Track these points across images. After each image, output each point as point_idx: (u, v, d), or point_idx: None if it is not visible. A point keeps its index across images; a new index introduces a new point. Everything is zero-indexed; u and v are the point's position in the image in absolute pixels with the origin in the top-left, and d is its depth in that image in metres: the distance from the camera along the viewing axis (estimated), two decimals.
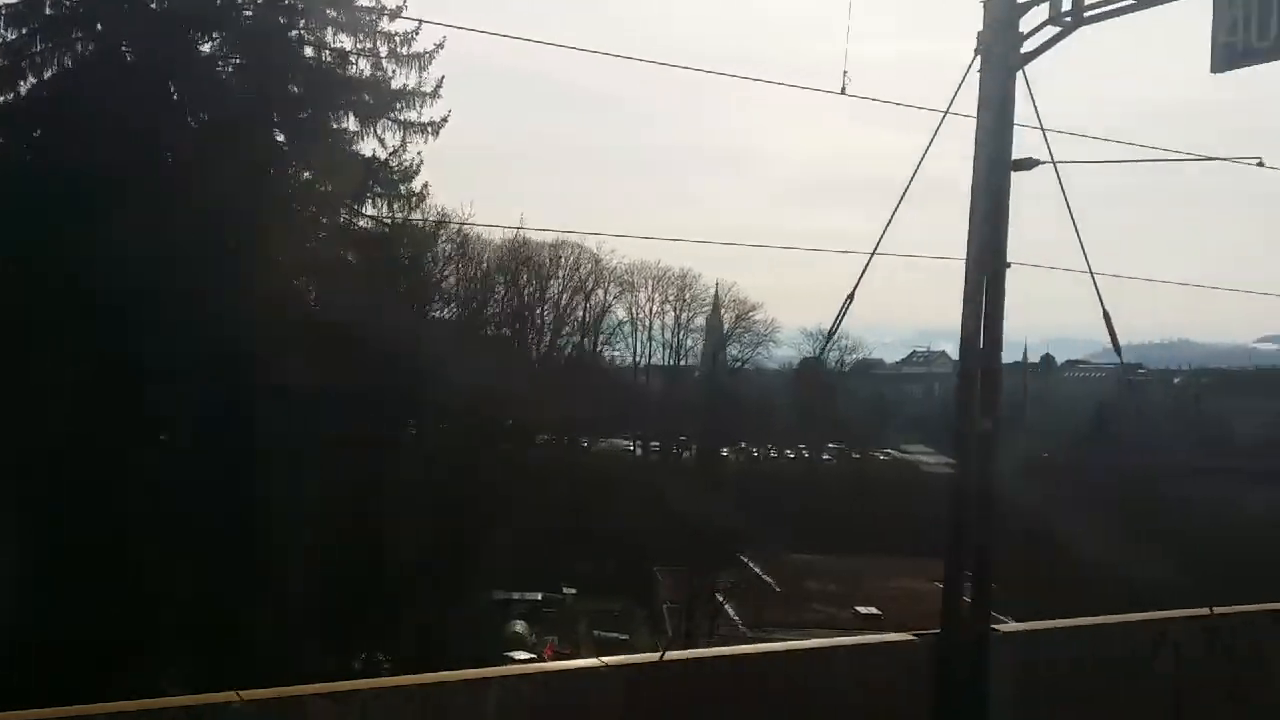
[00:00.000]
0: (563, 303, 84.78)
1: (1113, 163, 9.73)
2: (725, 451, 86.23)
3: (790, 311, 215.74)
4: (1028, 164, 8.37)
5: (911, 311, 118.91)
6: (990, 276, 8.59)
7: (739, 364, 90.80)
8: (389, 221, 33.31)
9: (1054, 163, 8.36)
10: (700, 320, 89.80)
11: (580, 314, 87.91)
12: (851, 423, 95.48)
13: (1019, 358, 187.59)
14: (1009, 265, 8.56)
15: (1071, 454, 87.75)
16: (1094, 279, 8.49)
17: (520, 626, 57.76)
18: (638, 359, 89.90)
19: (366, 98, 31.70)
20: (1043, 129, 8.25)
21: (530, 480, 78.60)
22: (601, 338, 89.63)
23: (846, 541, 62.34)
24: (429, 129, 32.73)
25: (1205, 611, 9.66)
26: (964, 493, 8.92)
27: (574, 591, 65.31)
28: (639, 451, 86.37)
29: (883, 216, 8.47)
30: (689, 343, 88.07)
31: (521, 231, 77.83)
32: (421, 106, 32.63)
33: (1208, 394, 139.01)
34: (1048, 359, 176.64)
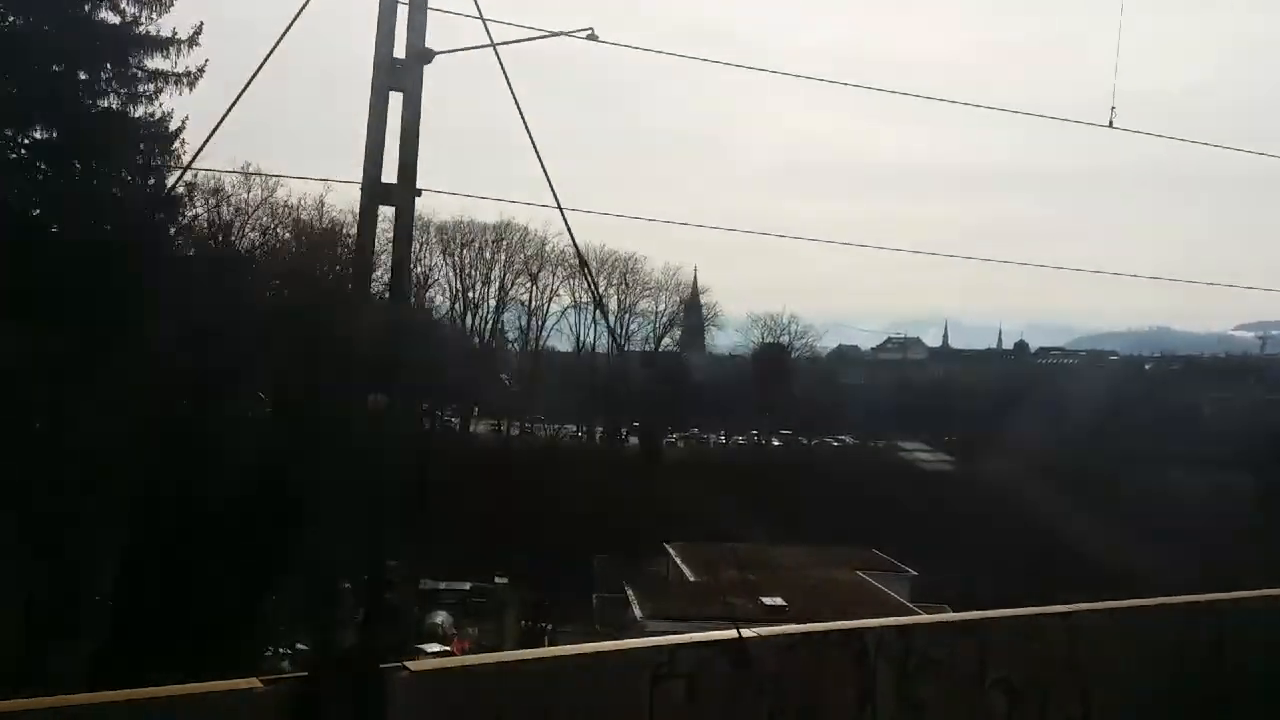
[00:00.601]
0: (506, 284, 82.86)
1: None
2: (676, 437, 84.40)
3: (737, 298, 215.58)
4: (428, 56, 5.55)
5: (892, 300, 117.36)
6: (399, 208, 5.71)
7: (672, 349, 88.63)
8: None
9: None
10: (646, 304, 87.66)
11: (527, 297, 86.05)
12: (807, 408, 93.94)
13: (994, 344, 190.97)
14: (419, 193, 5.70)
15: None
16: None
17: (441, 618, 55.86)
18: (581, 343, 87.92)
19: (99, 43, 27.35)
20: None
21: (470, 465, 77.37)
22: (551, 320, 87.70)
23: (784, 529, 60.57)
24: (184, 80, 28.52)
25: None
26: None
27: (505, 581, 63.34)
28: (584, 437, 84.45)
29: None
30: (633, 327, 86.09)
31: (466, 214, 76.28)
32: (176, 55, 28.42)
33: (1176, 381, 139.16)
34: (1021, 345, 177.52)
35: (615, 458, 77.22)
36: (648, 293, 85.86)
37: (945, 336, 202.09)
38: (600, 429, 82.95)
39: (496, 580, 63.75)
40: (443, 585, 61.57)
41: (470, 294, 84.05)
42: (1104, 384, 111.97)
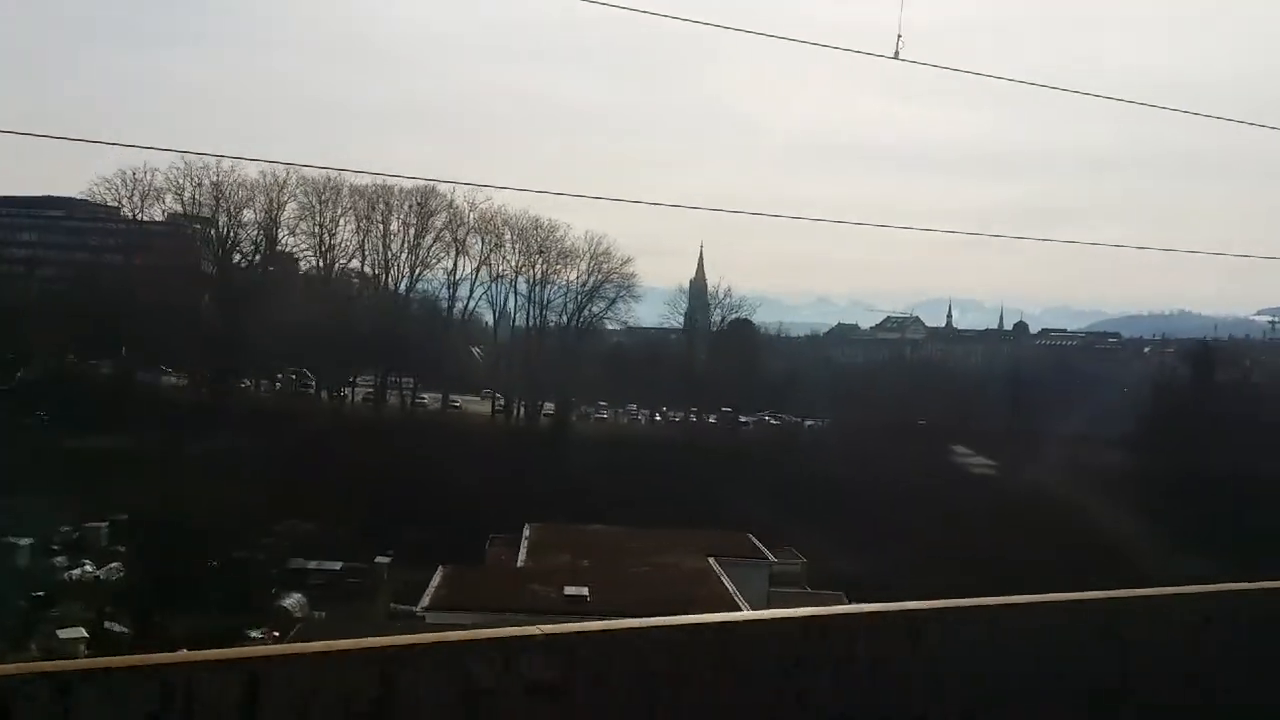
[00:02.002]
0: (421, 251, 79.56)
1: None
2: (602, 412, 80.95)
3: (661, 270, 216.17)
4: None
5: (918, 279, 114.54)
6: None
7: (591, 321, 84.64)
8: None
9: None
10: (571, 275, 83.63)
11: (450, 265, 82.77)
12: (759, 387, 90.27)
13: (994, 324, 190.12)
14: None
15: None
16: None
17: (294, 600, 52.85)
18: (497, 314, 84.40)
19: None
20: None
21: (368, 439, 74.45)
22: (481, 290, 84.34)
23: (673, 510, 57.60)
24: None
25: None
26: None
27: (388, 560, 60.29)
28: (498, 413, 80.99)
29: None
30: (549, 297, 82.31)
31: (391, 180, 73.90)
32: None
33: (1172, 364, 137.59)
34: (1020, 326, 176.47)
35: (528, 433, 73.94)
36: (564, 261, 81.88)
37: (949, 317, 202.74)
38: (522, 403, 79.46)
39: (378, 560, 60.69)
40: (312, 565, 58.73)
41: (391, 263, 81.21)
42: (1069, 365, 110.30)
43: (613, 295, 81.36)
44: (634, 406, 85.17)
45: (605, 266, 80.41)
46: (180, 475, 65.95)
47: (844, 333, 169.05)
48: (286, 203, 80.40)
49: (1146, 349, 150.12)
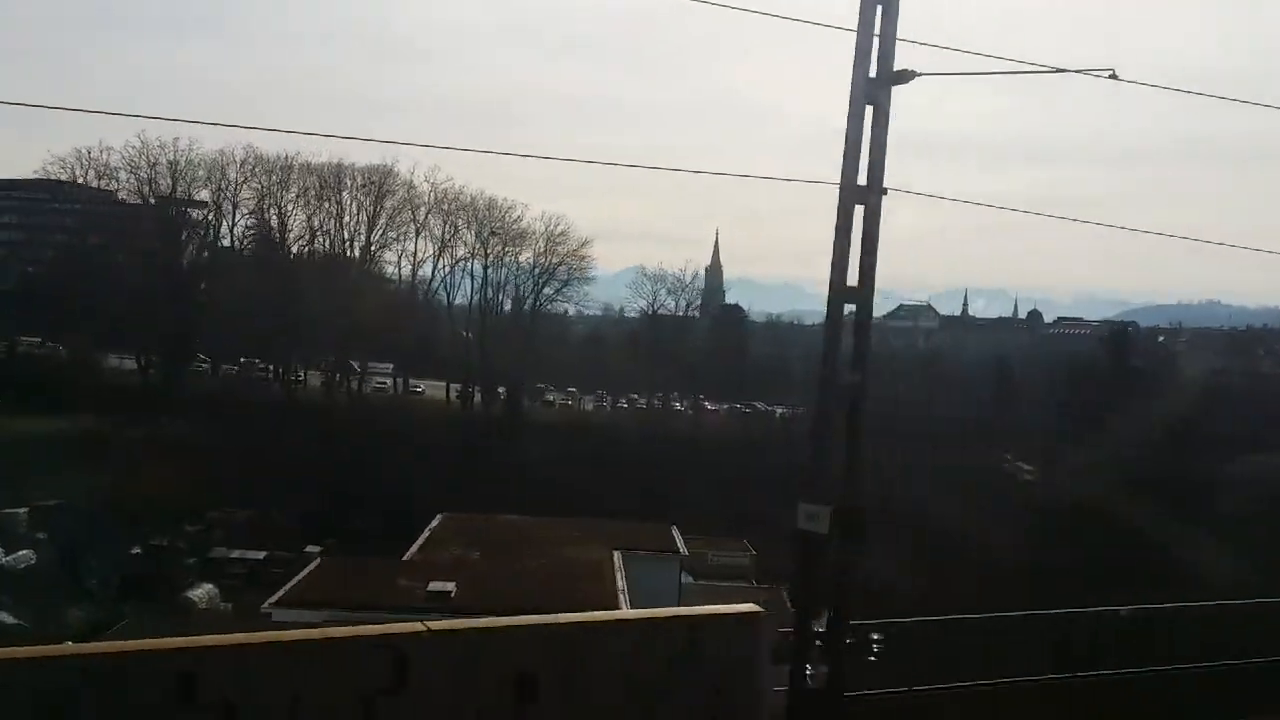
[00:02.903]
0: (378, 231, 77.37)
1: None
2: (556, 398, 78.37)
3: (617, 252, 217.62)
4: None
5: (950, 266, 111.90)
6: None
7: (543, 304, 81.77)
8: None
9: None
10: (526, 256, 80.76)
11: (411, 247, 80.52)
12: (752, 375, 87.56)
13: (1008, 313, 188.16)
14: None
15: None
16: None
17: (203, 590, 50.78)
18: (451, 296, 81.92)
19: None
20: None
21: (319, 425, 72.40)
22: (443, 273, 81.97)
23: (613, 501, 55.28)
24: None
25: None
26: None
27: (318, 549, 58.10)
28: (459, 398, 78.60)
29: None
30: (505, 279, 79.56)
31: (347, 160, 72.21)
32: None
33: (1186, 353, 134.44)
34: (1034, 315, 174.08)
35: (483, 420, 71.61)
36: (519, 242, 79.09)
37: (965, 305, 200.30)
38: (476, 388, 77.02)
39: (308, 549, 58.50)
40: (235, 554, 56.79)
41: (348, 244, 79.14)
42: (1071, 355, 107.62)
43: (565, 278, 78.64)
44: (602, 392, 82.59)
45: (561, 249, 77.75)
46: (121, 460, 64.40)
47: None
48: (242, 182, 78.56)
49: (1160, 338, 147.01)
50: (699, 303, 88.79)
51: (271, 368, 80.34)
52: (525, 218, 77.26)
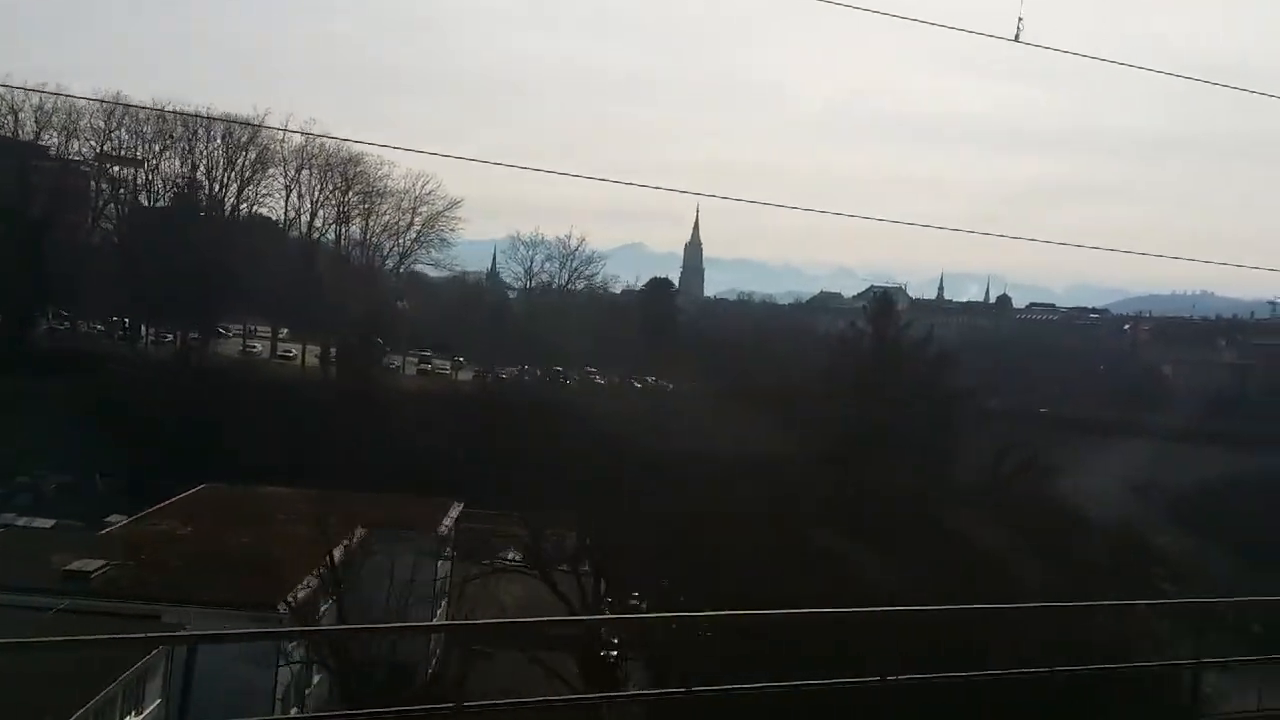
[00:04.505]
0: (247, 186, 72.87)
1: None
2: (434, 366, 73.84)
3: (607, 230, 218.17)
4: None
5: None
6: None
7: (407, 264, 77.18)
8: None
9: None
10: (392, 215, 75.79)
11: (281, 204, 75.99)
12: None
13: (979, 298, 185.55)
14: None
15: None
16: None
17: None
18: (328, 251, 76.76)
19: None
20: None
21: (161, 389, 68.28)
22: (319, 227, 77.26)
23: (420, 475, 50.88)
24: None
25: None
26: None
27: (126, 519, 54.07)
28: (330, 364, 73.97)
29: None
30: (371, 237, 74.71)
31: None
32: None
33: (1149, 341, 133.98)
34: (1004, 299, 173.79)
35: (327, 386, 67.26)
36: (381, 199, 74.24)
37: (941, 289, 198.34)
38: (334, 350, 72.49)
39: (110, 519, 54.37)
40: (20, 522, 52.57)
41: (217, 199, 74.70)
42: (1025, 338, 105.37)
43: (431, 239, 73.88)
44: (461, 360, 77.31)
45: (426, 209, 72.82)
46: None
47: (824, 301, 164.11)
48: (110, 131, 74.14)
49: (1126, 326, 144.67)
50: (565, 277, 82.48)
51: (143, 328, 76.22)
52: (392, 175, 72.59)
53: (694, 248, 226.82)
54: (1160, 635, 22.03)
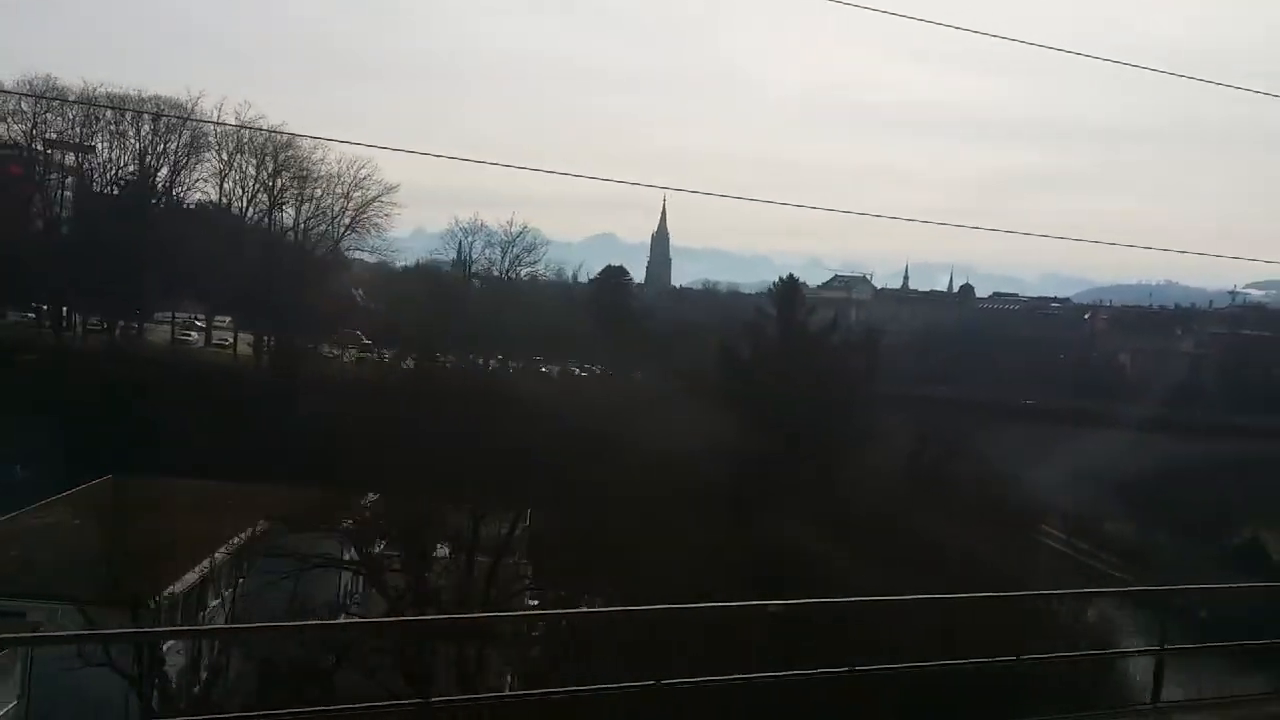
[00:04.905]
0: (177, 171, 70.98)
1: None
2: (371, 355, 72.18)
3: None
4: None
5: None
6: None
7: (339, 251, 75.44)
8: None
9: None
10: (327, 199, 73.82)
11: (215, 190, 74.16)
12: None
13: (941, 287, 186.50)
14: None
15: None
16: None
17: None
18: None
19: None
20: None
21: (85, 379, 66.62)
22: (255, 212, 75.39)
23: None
24: None
25: None
26: None
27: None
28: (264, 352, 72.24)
29: None
30: (305, 222, 72.97)
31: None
32: None
33: (1107, 330, 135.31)
34: (966, 289, 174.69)
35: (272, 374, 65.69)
36: (311, 184, 72.35)
37: (906, 278, 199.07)
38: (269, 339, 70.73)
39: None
40: None
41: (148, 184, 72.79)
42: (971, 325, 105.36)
43: (366, 226, 72.18)
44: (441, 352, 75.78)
45: (358, 194, 71.03)
46: None
47: (789, 288, 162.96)
48: (44, 113, 72.04)
49: (1085, 315, 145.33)
50: (507, 263, 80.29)
51: (74, 316, 74.28)
52: (326, 159, 70.79)
53: (661, 238, 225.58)
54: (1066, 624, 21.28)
